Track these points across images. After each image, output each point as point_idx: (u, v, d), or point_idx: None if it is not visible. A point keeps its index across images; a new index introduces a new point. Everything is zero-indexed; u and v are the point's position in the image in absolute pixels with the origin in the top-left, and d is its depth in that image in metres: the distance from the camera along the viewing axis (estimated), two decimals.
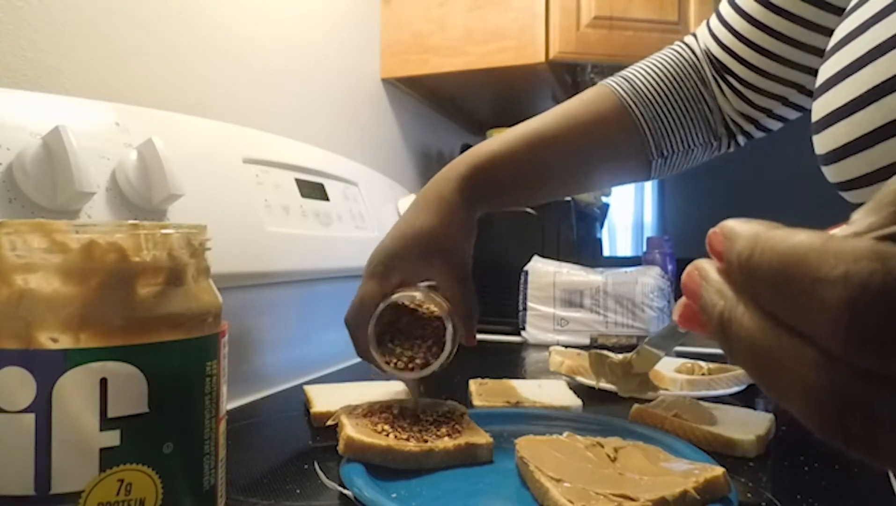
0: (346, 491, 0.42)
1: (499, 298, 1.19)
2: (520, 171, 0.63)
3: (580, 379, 0.74)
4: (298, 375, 0.79)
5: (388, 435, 0.47)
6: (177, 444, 0.28)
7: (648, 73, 0.66)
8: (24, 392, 0.25)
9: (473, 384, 0.69)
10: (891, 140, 0.37)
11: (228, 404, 0.51)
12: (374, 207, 1.01)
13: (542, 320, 1.12)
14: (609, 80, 0.67)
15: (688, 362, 0.81)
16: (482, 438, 0.49)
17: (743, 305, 0.20)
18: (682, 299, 0.25)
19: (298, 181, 0.82)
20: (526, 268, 1.16)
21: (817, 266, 0.17)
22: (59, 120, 0.50)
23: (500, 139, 0.64)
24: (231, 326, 0.32)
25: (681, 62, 0.66)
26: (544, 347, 0.98)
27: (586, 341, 1.08)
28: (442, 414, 0.53)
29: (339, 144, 1.13)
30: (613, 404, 0.67)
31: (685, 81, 0.65)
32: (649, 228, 3.94)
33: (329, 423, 0.53)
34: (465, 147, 1.66)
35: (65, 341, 0.25)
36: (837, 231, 0.18)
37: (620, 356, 0.56)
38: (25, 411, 0.25)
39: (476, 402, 0.64)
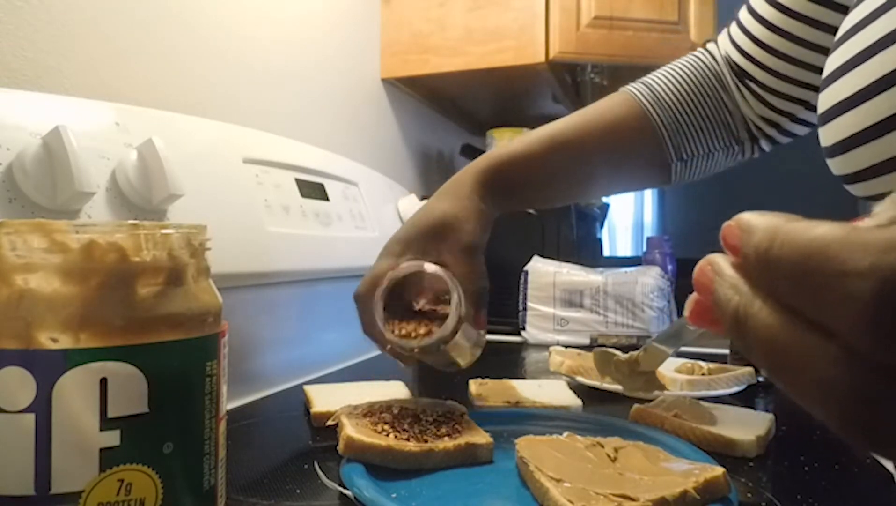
0: (346, 491, 0.42)
1: (499, 298, 1.19)
2: (537, 171, 0.64)
3: (580, 379, 0.74)
4: (298, 375, 0.79)
5: (388, 435, 0.47)
6: (177, 444, 0.28)
7: (668, 78, 0.67)
8: (24, 392, 0.25)
9: (473, 384, 0.69)
10: None
11: (228, 404, 0.51)
12: (374, 207, 1.01)
13: (542, 320, 1.12)
14: (629, 86, 0.68)
15: (688, 362, 0.81)
16: (482, 438, 0.49)
17: (760, 300, 0.19)
18: (693, 296, 0.25)
19: (298, 181, 0.82)
20: (526, 268, 1.16)
21: (842, 258, 0.16)
22: (59, 120, 0.50)
23: (518, 141, 0.65)
24: (231, 326, 0.32)
25: (701, 67, 0.66)
26: (544, 347, 0.98)
27: (586, 341, 1.08)
28: (442, 414, 0.53)
29: (339, 144, 1.13)
30: (613, 404, 0.67)
31: (705, 85, 0.65)
32: (649, 228, 3.94)
33: (329, 423, 0.53)
34: (465, 147, 1.67)
35: (65, 341, 0.25)
36: (860, 224, 0.18)
37: (627, 354, 0.55)
38: (25, 411, 0.25)
39: (476, 402, 0.64)
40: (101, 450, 0.26)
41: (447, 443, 0.47)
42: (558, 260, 1.17)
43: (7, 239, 0.26)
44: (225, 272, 0.63)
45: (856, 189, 0.43)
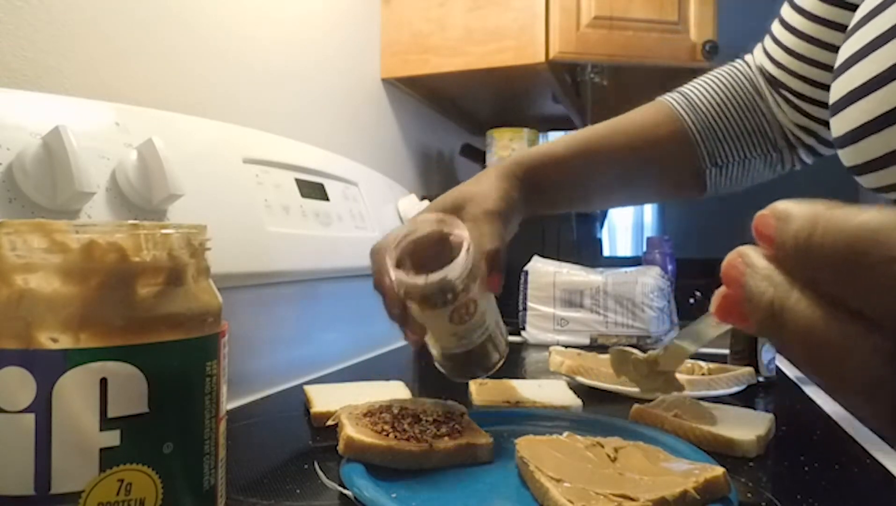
0: (346, 491, 0.42)
1: (499, 298, 1.19)
2: (566, 171, 0.63)
3: (580, 379, 0.74)
4: (298, 376, 0.79)
5: (388, 435, 0.47)
6: (177, 444, 0.28)
7: (702, 86, 0.66)
8: (24, 392, 0.25)
9: (473, 384, 0.69)
10: None
11: (228, 404, 0.51)
12: (374, 207, 1.01)
13: (542, 320, 1.12)
14: (664, 95, 0.67)
15: (688, 362, 0.81)
16: (482, 438, 0.49)
17: (797, 291, 0.18)
18: (720, 290, 0.24)
19: (298, 181, 0.82)
20: (526, 268, 1.16)
21: (891, 243, 0.16)
22: (59, 120, 0.50)
23: (550, 143, 0.65)
24: (231, 326, 0.32)
25: (736, 75, 0.66)
26: (544, 347, 0.98)
27: (586, 341, 1.08)
28: (442, 414, 0.53)
29: (339, 144, 1.13)
30: (613, 404, 0.67)
31: (740, 91, 0.65)
32: (649, 228, 3.94)
33: (329, 423, 0.53)
34: (465, 147, 1.67)
35: (65, 341, 0.25)
36: None
37: (646, 354, 0.54)
38: (25, 411, 0.25)
39: (476, 402, 0.64)
40: (101, 450, 0.26)
41: (447, 443, 0.47)
42: (558, 260, 1.17)
43: (7, 239, 0.26)
44: (225, 272, 0.63)
45: (865, 180, 0.43)
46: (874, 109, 0.39)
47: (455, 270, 0.48)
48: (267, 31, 0.96)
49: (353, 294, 0.94)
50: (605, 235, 1.89)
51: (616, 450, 0.46)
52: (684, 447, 0.49)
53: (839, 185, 0.66)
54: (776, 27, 0.63)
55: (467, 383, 0.69)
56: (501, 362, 0.56)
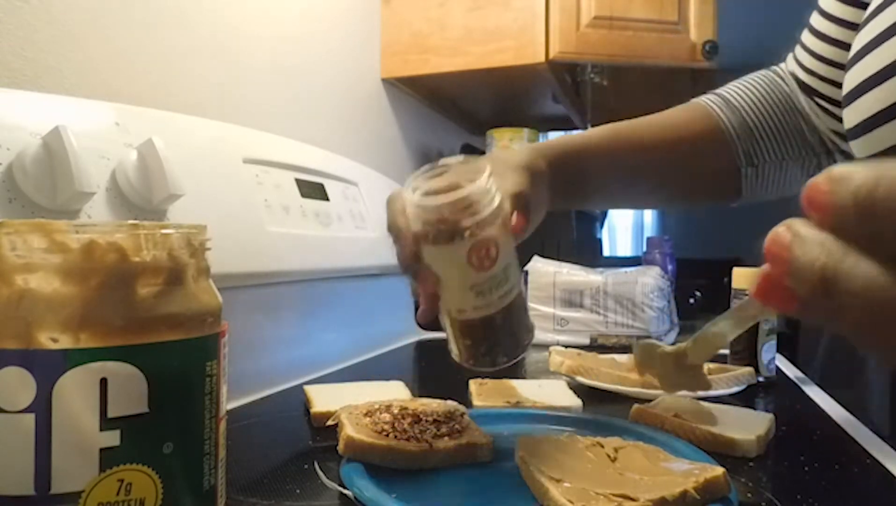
0: (346, 491, 0.42)
1: None
2: (596, 159, 0.60)
3: (580, 379, 0.74)
4: (298, 376, 0.79)
5: (388, 435, 0.47)
6: (177, 444, 0.28)
7: (737, 87, 0.65)
8: (24, 392, 0.25)
9: (473, 384, 0.69)
10: None
11: (228, 404, 0.51)
12: (374, 207, 1.01)
13: (542, 320, 1.12)
14: (698, 98, 0.66)
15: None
16: (482, 438, 0.49)
17: (853, 255, 0.18)
18: (761, 270, 0.22)
19: (298, 181, 0.82)
20: (526, 268, 1.15)
21: None
22: (59, 120, 0.50)
23: (583, 133, 0.63)
24: (231, 326, 0.32)
25: (771, 78, 0.66)
26: (544, 347, 0.98)
27: (586, 341, 1.08)
28: (442, 414, 0.53)
29: (339, 143, 1.13)
30: (613, 404, 0.67)
31: (776, 93, 0.64)
32: (649, 228, 3.94)
33: (329, 423, 0.53)
34: (465, 147, 1.67)
35: (65, 341, 0.25)
36: None
37: (674, 346, 0.51)
38: (25, 411, 0.25)
39: (476, 402, 0.64)
40: (101, 450, 0.26)
41: (447, 443, 0.47)
42: (558, 260, 1.17)
43: (7, 239, 0.26)
44: (225, 272, 0.63)
45: None
46: (887, 98, 0.38)
47: (476, 188, 0.42)
48: (267, 31, 0.96)
49: (353, 294, 0.94)
50: (605, 235, 1.89)
51: (616, 450, 0.46)
52: (684, 447, 0.49)
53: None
54: (805, 36, 0.62)
55: (467, 383, 0.69)
56: (529, 344, 0.48)
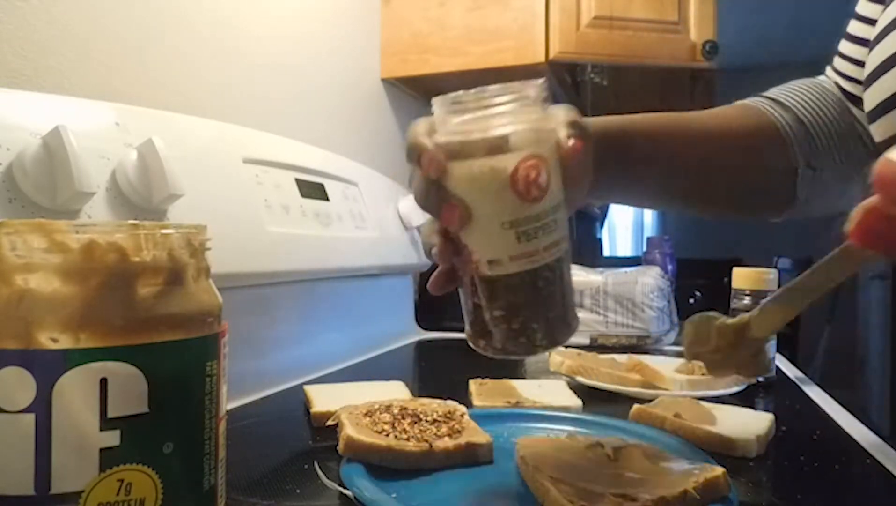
0: (346, 491, 0.42)
1: None
2: (642, 145, 0.53)
3: (580, 379, 0.74)
4: (298, 376, 0.79)
5: (388, 435, 0.47)
6: (177, 444, 0.28)
7: (784, 89, 0.61)
8: (24, 392, 0.25)
9: (473, 384, 0.69)
10: None
11: (228, 404, 0.51)
12: (374, 207, 1.01)
13: None
14: (743, 100, 0.61)
15: (688, 362, 0.81)
16: (482, 438, 0.49)
17: None
18: (863, 205, 0.20)
19: (298, 181, 0.82)
20: None
21: None
22: (59, 120, 0.50)
23: (622, 116, 0.54)
24: (231, 326, 0.32)
25: (818, 83, 0.62)
26: None
27: (586, 341, 1.08)
28: (442, 414, 0.53)
29: (339, 143, 1.13)
30: (613, 404, 0.67)
31: (827, 95, 0.60)
32: (649, 228, 3.94)
33: (329, 423, 0.53)
34: None
35: (65, 341, 0.25)
36: None
37: (736, 317, 0.44)
38: (25, 411, 0.25)
39: (476, 402, 0.64)
40: (101, 450, 0.26)
41: (447, 443, 0.47)
42: None
43: (7, 239, 0.26)
44: (225, 272, 0.63)
45: None
46: None
47: (530, 86, 0.35)
48: (267, 30, 0.96)
49: (353, 294, 0.94)
50: (605, 235, 1.89)
51: (616, 450, 0.46)
52: (684, 447, 0.49)
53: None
54: (843, 45, 0.59)
55: (467, 383, 0.69)
56: (575, 330, 0.39)
